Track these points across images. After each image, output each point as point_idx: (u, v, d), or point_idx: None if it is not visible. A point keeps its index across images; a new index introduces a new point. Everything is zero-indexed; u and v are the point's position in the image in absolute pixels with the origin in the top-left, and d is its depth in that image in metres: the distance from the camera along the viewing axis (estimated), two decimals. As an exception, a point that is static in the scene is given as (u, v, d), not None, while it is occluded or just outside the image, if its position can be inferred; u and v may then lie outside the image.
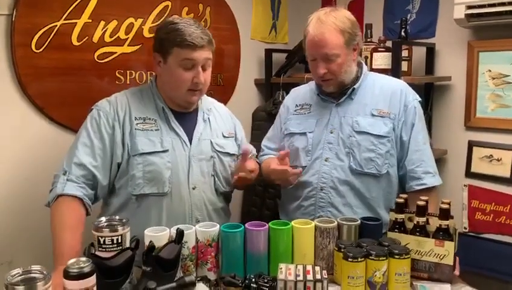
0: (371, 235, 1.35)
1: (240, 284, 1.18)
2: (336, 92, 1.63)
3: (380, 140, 1.56)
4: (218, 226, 1.32)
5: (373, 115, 1.58)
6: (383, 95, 1.61)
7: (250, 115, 2.67)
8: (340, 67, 1.55)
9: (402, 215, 1.36)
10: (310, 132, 1.64)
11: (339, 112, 1.62)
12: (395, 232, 1.35)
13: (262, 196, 2.55)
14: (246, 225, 1.31)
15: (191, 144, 1.52)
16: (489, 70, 2.12)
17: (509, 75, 2.06)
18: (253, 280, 1.18)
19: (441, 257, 1.29)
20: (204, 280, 1.22)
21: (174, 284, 1.04)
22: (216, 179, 1.56)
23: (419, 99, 1.65)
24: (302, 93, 1.77)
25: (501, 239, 2.12)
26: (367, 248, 1.25)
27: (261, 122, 2.60)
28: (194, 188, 1.50)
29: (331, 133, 1.61)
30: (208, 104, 1.64)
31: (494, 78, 2.11)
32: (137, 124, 1.48)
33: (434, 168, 1.61)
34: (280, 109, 1.84)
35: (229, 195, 1.67)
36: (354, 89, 1.61)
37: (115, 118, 1.47)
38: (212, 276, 1.28)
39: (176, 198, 1.47)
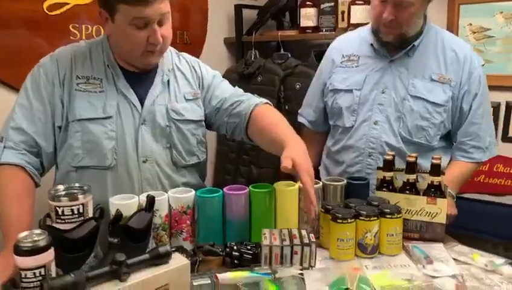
0: (357, 195, 1.27)
1: (221, 253, 1.09)
2: (393, 44, 1.46)
3: (437, 108, 1.44)
4: (193, 191, 1.20)
5: (432, 80, 1.45)
6: (445, 57, 1.47)
7: (220, 77, 2.52)
8: (411, 17, 1.38)
9: (390, 174, 1.28)
10: (356, 89, 1.50)
11: (393, 70, 1.47)
12: (383, 191, 1.27)
13: (236, 163, 2.43)
14: (225, 189, 1.20)
15: (142, 108, 1.31)
16: (470, 24, 2.05)
17: (490, 29, 2.01)
18: (235, 247, 1.09)
19: (433, 216, 1.22)
20: (180, 250, 1.10)
21: (147, 256, 0.91)
22: (174, 151, 1.35)
23: (483, 63, 1.52)
24: (350, 41, 1.59)
25: (480, 198, 2.13)
26: (356, 208, 1.17)
27: (233, 84, 2.45)
28: (144, 161, 1.30)
29: (383, 93, 1.47)
30: (169, 63, 1.39)
31: (475, 33, 2.05)
32: (79, 84, 1.27)
33: (486, 144, 1.51)
34: (321, 64, 1.67)
35: (198, 167, 1.43)
36: (413, 46, 1.46)
37: (55, 75, 1.27)
38: (188, 246, 1.17)
39: (122, 172, 1.28)
